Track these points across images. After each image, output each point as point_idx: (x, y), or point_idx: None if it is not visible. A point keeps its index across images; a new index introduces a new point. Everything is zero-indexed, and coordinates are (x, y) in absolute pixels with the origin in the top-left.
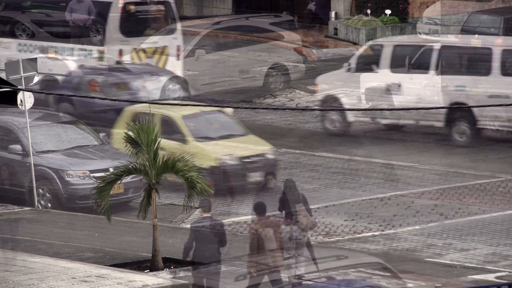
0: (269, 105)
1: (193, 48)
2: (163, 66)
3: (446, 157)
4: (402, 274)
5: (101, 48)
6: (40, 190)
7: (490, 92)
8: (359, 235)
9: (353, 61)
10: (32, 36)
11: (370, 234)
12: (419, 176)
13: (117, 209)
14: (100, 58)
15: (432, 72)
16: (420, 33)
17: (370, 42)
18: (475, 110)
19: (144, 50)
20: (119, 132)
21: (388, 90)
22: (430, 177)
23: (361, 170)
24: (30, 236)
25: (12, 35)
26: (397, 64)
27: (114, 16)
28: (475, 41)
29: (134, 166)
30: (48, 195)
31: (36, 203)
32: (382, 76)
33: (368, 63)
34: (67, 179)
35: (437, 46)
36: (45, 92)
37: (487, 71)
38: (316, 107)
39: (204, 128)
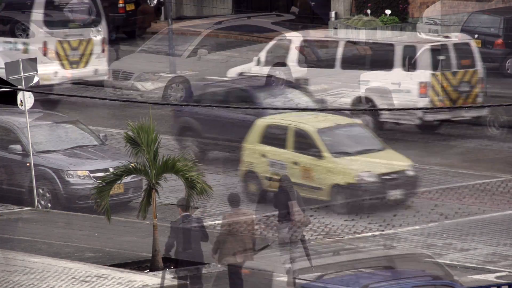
0: (269, 105)
1: (195, 48)
2: (88, 58)
3: (446, 157)
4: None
5: (26, 40)
6: (40, 190)
7: (392, 86)
8: (359, 235)
9: (262, 55)
10: (32, 36)
11: (370, 234)
12: (419, 176)
13: (117, 209)
14: (25, 51)
15: (337, 67)
16: (420, 33)
17: (279, 37)
18: (378, 103)
19: (68, 42)
20: (251, 147)
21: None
22: (430, 177)
23: None
24: (30, 236)
25: (12, 35)
26: (305, 59)
27: (39, 8)
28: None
29: (134, 166)
30: (48, 195)
31: (36, 203)
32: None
33: (277, 57)
34: (67, 179)
35: (342, 42)
36: (45, 92)
37: (390, 66)
38: (316, 107)
39: (340, 143)
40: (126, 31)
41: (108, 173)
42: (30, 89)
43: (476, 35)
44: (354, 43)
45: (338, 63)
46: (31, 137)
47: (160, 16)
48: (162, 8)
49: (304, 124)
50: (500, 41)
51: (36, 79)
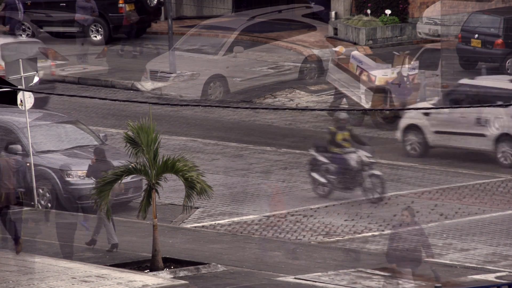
0: (269, 105)
1: (231, 45)
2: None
3: (447, 157)
4: (401, 274)
5: None
6: (40, 190)
7: None
8: (359, 235)
9: None
10: (32, 36)
11: (370, 234)
12: (419, 176)
13: (117, 209)
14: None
15: None
16: (420, 34)
17: None
18: None
19: None
20: None
21: None
22: (430, 177)
23: None
24: (30, 236)
25: (12, 35)
26: None
27: None
28: None
29: (134, 166)
30: (48, 195)
31: (36, 203)
32: None
33: None
34: (67, 179)
35: None
36: (45, 92)
37: None
38: (316, 108)
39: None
40: (126, 31)
41: (108, 173)
42: (30, 89)
43: (476, 35)
44: None
45: None
46: (31, 137)
47: (160, 16)
48: (162, 8)
49: None
50: (500, 41)
51: (36, 79)
